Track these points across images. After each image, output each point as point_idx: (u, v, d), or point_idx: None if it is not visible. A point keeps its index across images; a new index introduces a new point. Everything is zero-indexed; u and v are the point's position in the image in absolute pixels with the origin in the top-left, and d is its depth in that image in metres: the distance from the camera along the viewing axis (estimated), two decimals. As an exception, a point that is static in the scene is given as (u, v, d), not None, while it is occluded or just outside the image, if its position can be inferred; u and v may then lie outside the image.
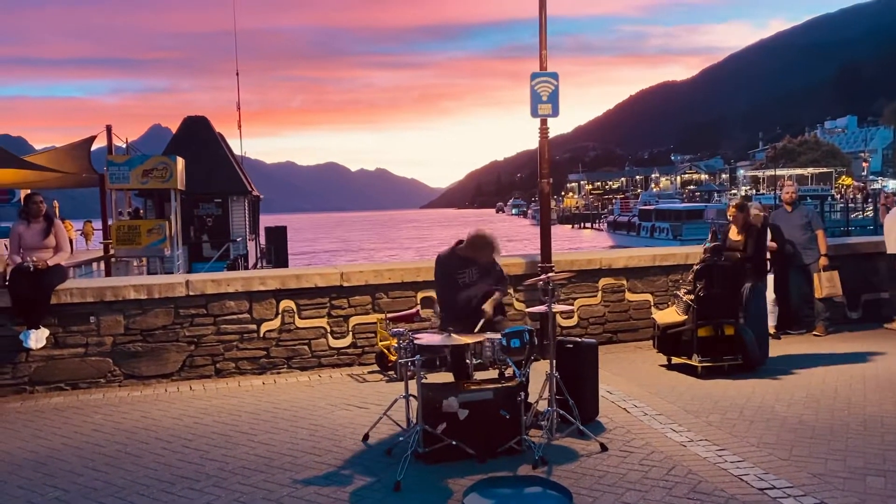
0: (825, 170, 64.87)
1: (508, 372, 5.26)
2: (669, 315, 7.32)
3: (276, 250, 25.45)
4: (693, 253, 8.84)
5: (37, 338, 6.76)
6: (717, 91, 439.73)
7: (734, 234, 7.61)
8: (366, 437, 5.33)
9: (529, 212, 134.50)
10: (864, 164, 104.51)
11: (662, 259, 8.76)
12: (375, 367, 7.50)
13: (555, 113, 7.70)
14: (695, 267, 7.05)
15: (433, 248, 62.03)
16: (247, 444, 5.30)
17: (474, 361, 5.27)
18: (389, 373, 7.23)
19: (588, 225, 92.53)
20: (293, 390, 6.85)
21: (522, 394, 4.87)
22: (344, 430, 5.56)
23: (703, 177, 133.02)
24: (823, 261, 8.75)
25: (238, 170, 24.57)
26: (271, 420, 5.88)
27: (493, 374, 5.43)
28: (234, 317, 7.44)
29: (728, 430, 5.35)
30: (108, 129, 15.39)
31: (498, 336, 5.02)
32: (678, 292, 7.31)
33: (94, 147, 16.77)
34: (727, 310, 6.94)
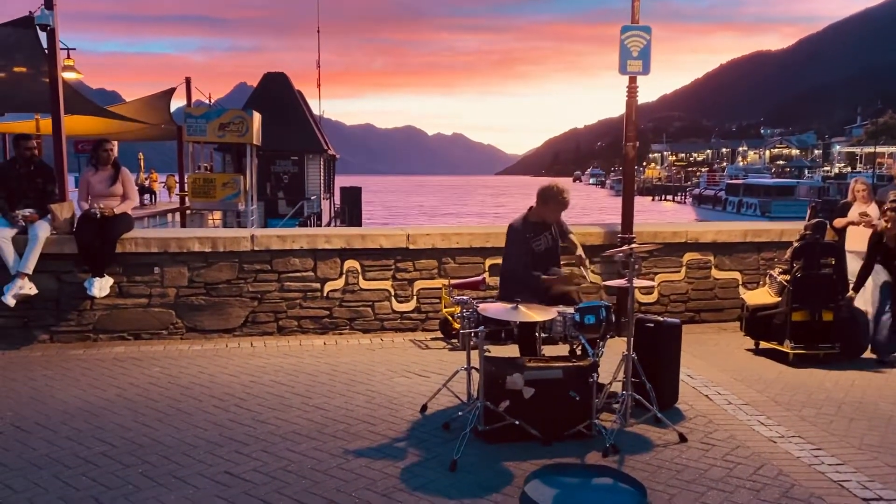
0: (931, 148, 60.76)
1: (580, 349, 4.86)
2: (761, 296, 6.73)
3: (350, 210, 25.47)
4: (789, 230, 8.15)
5: (101, 286, 6.71)
6: (813, 62, 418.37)
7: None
8: (424, 408, 5.03)
9: (608, 182, 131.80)
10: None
11: (755, 235, 8.09)
12: (439, 334, 7.20)
13: (646, 70, 7.11)
14: (794, 244, 6.41)
15: (507, 216, 61.52)
16: (301, 408, 5.07)
17: (543, 336, 4.89)
18: (453, 341, 6.91)
19: (669, 197, 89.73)
20: (354, 353, 6.61)
21: (595, 374, 4.45)
22: (402, 399, 5.27)
23: (794, 152, 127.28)
24: (937, 244, 7.90)
25: (315, 128, 24.53)
26: (328, 383, 5.65)
27: (562, 349, 5.04)
28: (299, 274, 7.24)
29: (824, 427, 4.80)
30: (188, 81, 15.43)
31: (571, 310, 4.59)
32: (772, 271, 6.70)
33: (178, 104, 16.96)
34: (827, 293, 6.30)
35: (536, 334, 4.87)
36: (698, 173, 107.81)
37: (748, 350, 6.79)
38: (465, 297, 4.73)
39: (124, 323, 6.98)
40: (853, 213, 7.86)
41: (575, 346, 4.91)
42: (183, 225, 14.33)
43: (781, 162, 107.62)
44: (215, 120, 14.00)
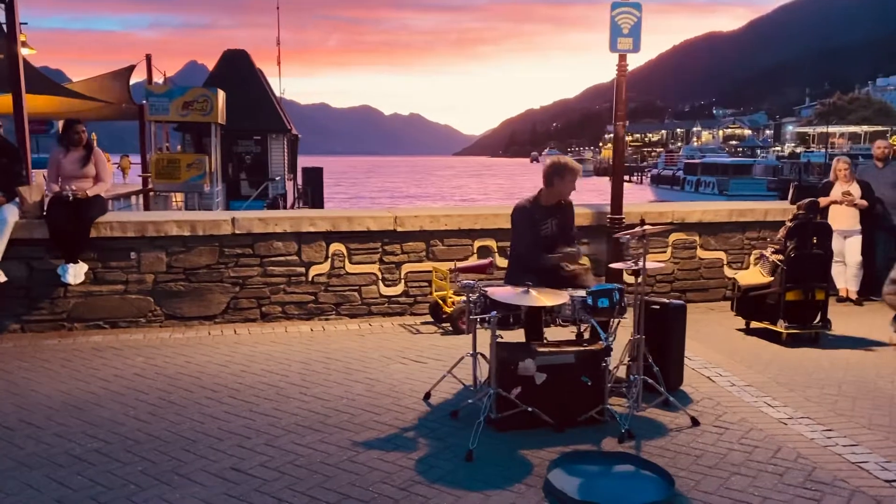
0: (880, 128, 62.29)
1: (587, 332, 4.77)
2: (752, 276, 6.72)
3: (313, 192, 25.01)
4: (773, 209, 8.21)
5: (75, 273, 6.39)
6: (763, 44, 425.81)
7: None
8: (427, 395, 4.88)
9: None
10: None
11: (740, 215, 8.09)
12: (428, 318, 7.04)
13: (636, 48, 7.02)
14: (787, 224, 6.40)
15: (470, 198, 61.42)
16: (298, 398, 4.88)
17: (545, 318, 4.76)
18: (444, 325, 6.76)
19: (626, 177, 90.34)
20: (343, 339, 6.43)
21: (608, 359, 4.36)
22: (402, 387, 5.11)
23: (747, 132, 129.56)
24: (915, 222, 8.02)
25: (278, 107, 23.97)
26: (323, 372, 5.46)
27: (560, 332, 4.92)
28: (282, 258, 7.00)
29: (830, 407, 4.80)
30: (148, 58, 14.88)
31: (582, 293, 4.47)
32: (765, 252, 6.69)
33: (132, 81, 16.34)
34: (820, 273, 6.32)
35: (543, 319, 4.75)
36: (653, 153, 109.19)
37: (739, 330, 6.79)
38: (471, 282, 4.58)
39: (100, 311, 6.67)
40: (835, 193, 7.92)
41: (582, 330, 4.81)
42: (147, 207, 13.86)
43: (734, 142, 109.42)
44: (178, 98, 13.55)
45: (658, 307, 5.01)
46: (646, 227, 4.48)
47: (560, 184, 5.01)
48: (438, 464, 3.90)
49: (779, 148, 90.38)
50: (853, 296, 7.96)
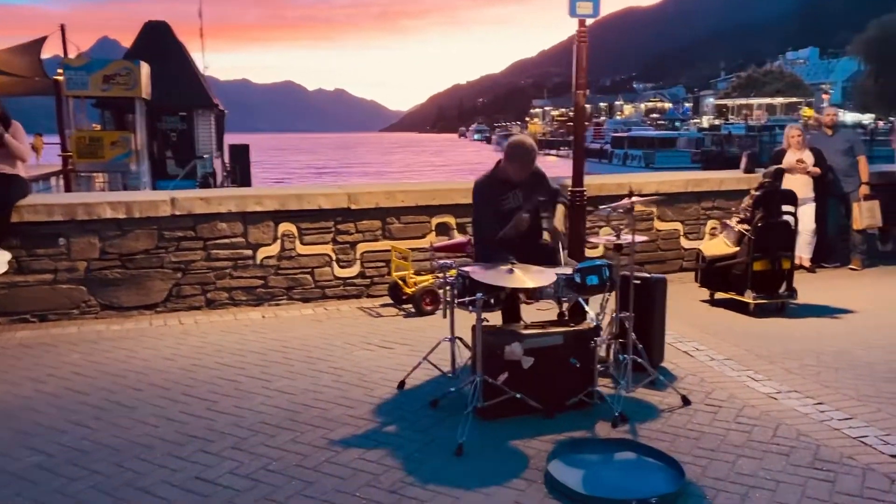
0: (794, 100, 64.62)
1: (568, 311, 4.52)
2: (717, 246, 6.61)
3: (241, 170, 24.08)
4: (728, 179, 8.14)
5: (-3, 262, 5.76)
6: (680, 19, 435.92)
7: None
8: (402, 384, 4.55)
9: (494, 138, 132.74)
10: (824, 97, 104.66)
11: (695, 185, 7.99)
12: (387, 300, 6.68)
13: (595, 13, 6.78)
14: (753, 192, 6.30)
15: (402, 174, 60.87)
16: (262, 393, 4.48)
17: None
18: (406, 306, 6.42)
19: (552, 152, 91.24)
20: (300, 325, 6.02)
21: (596, 339, 4.12)
22: (372, 375, 4.77)
23: (667, 105, 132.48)
24: (864, 189, 8.09)
25: (202, 81, 22.91)
26: (284, 363, 5.05)
27: (527, 310, 4.65)
28: (227, 241, 6.51)
29: (814, 379, 4.70)
30: (62, 29, 13.85)
31: (568, 271, 4.20)
32: (729, 221, 6.59)
33: (44, 56, 15.20)
34: (786, 241, 6.26)
35: (520, 298, 4.48)
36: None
37: (703, 301, 6.70)
38: (448, 262, 4.26)
39: (26, 303, 6.06)
40: (789, 160, 7.90)
41: (563, 309, 4.55)
42: (67, 189, 12.95)
43: (655, 115, 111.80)
44: (98, 72, 12.63)
45: (639, 282, 4.79)
46: (634, 198, 4.24)
47: (507, 167, 4.64)
48: (427, 460, 3.59)
49: (698, 120, 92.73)
50: (806, 263, 7.98)
